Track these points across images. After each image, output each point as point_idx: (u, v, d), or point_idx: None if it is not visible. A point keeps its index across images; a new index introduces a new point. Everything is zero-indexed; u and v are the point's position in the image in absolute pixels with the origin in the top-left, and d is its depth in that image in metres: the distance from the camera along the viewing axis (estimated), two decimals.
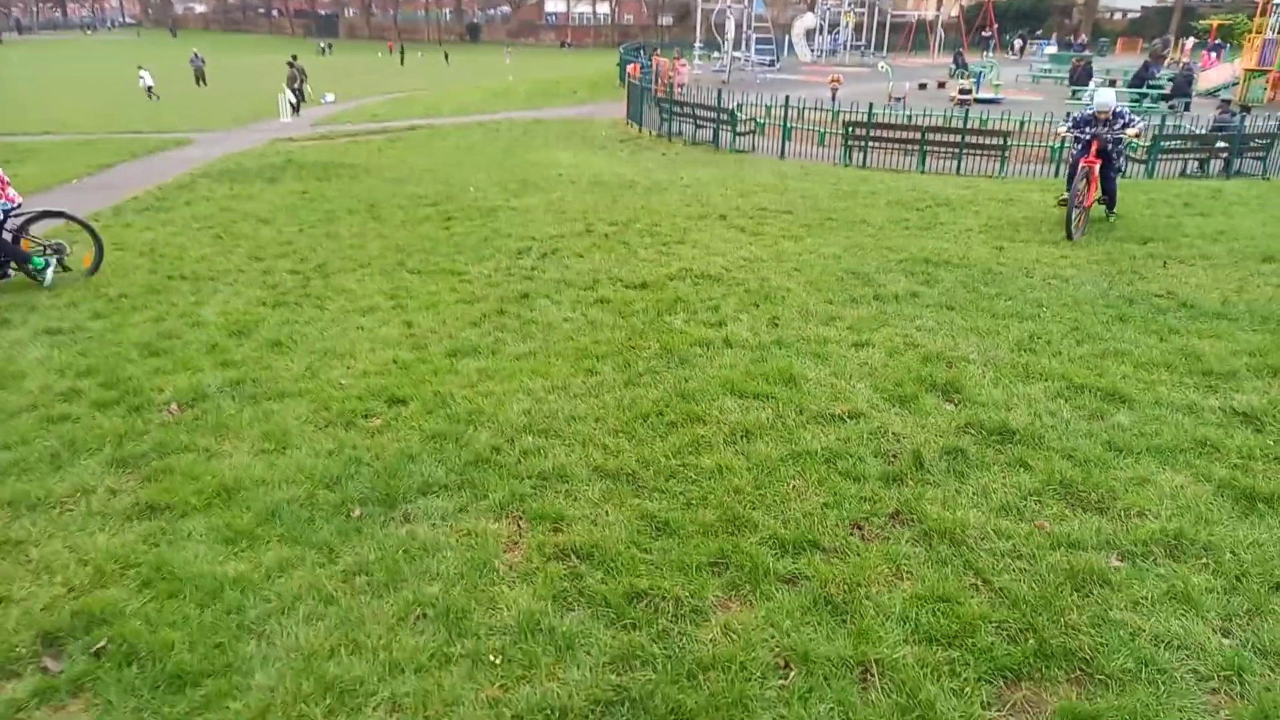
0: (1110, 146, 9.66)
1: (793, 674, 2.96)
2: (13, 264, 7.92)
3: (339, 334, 6.57)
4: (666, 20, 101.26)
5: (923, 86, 30.14)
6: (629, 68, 24.71)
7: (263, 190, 13.24)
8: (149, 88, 32.16)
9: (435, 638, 3.16)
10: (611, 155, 17.89)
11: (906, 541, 3.74)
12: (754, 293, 7.49)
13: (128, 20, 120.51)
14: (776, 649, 3.08)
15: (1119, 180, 10.49)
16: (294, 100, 26.85)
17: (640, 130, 21.55)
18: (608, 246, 9.37)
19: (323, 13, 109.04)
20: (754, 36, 37.13)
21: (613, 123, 23.34)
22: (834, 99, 23.20)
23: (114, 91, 32.80)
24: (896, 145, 16.41)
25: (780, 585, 3.44)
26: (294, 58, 31.20)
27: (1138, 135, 9.72)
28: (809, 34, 47.75)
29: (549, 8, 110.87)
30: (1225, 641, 3.08)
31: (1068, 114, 11.05)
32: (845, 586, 3.41)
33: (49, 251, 8.03)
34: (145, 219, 11.13)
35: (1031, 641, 3.07)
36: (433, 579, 3.50)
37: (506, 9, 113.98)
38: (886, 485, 4.21)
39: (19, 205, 7.99)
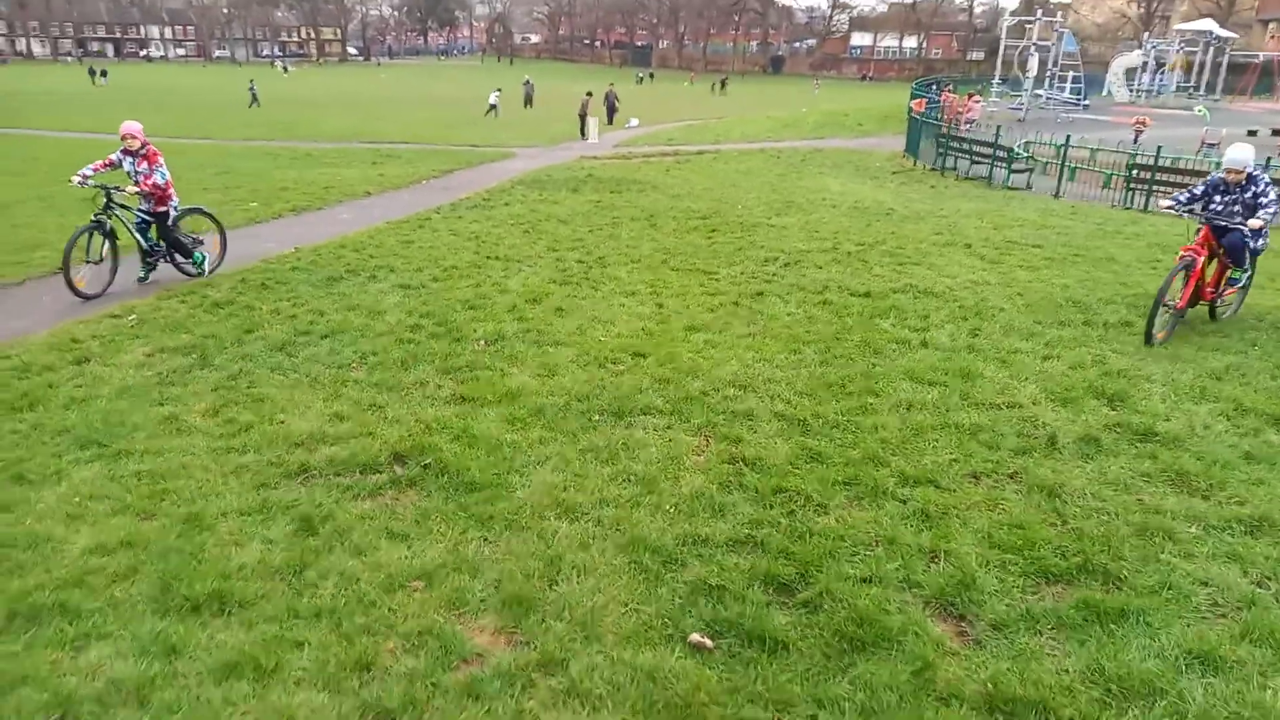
0: (1233, 228, 7.26)
1: (878, 549, 4.01)
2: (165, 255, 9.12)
3: (605, 308, 8.24)
4: (977, 55, 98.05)
5: (1252, 133, 27.60)
6: (913, 103, 25.15)
7: (565, 198, 15.62)
8: (493, 106, 37.68)
9: (632, 491, 4.55)
10: (880, 185, 18.67)
11: (1011, 490, 4.59)
12: (967, 309, 8.23)
13: (475, 48, 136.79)
14: (872, 535, 4.13)
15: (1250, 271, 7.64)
16: (608, 119, 30.39)
17: (915, 164, 22.04)
18: (847, 262, 10.40)
19: (639, 44, 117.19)
20: (1061, 74, 35.76)
21: (890, 155, 23.96)
22: (1136, 141, 22.23)
23: (457, 110, 38.31)
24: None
25: (892, 501, 4.46)
26: (611, 84, 35.13)
27: (1262, 226, 7.06)
28: (1129, 73, 44.78)
29: (854, 41, 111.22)
30: (1255, 588, 3.69)
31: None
32: (943, 508, 4.36)
33: (191, 244, 9.31)
34: (474, 214, 13.76)
35: (1078, 559, 3.87)
36: (638, 461, 4.91)
37: (812, 42, 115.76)
38: (1015, 455, 5.02)
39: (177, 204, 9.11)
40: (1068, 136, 17.56)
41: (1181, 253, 7.19)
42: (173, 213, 9.01)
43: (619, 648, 3.31)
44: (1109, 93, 44.06)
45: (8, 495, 4.47)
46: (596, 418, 5.54)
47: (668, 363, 6.58)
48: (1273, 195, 7.04)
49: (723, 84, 69.71)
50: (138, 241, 8.96)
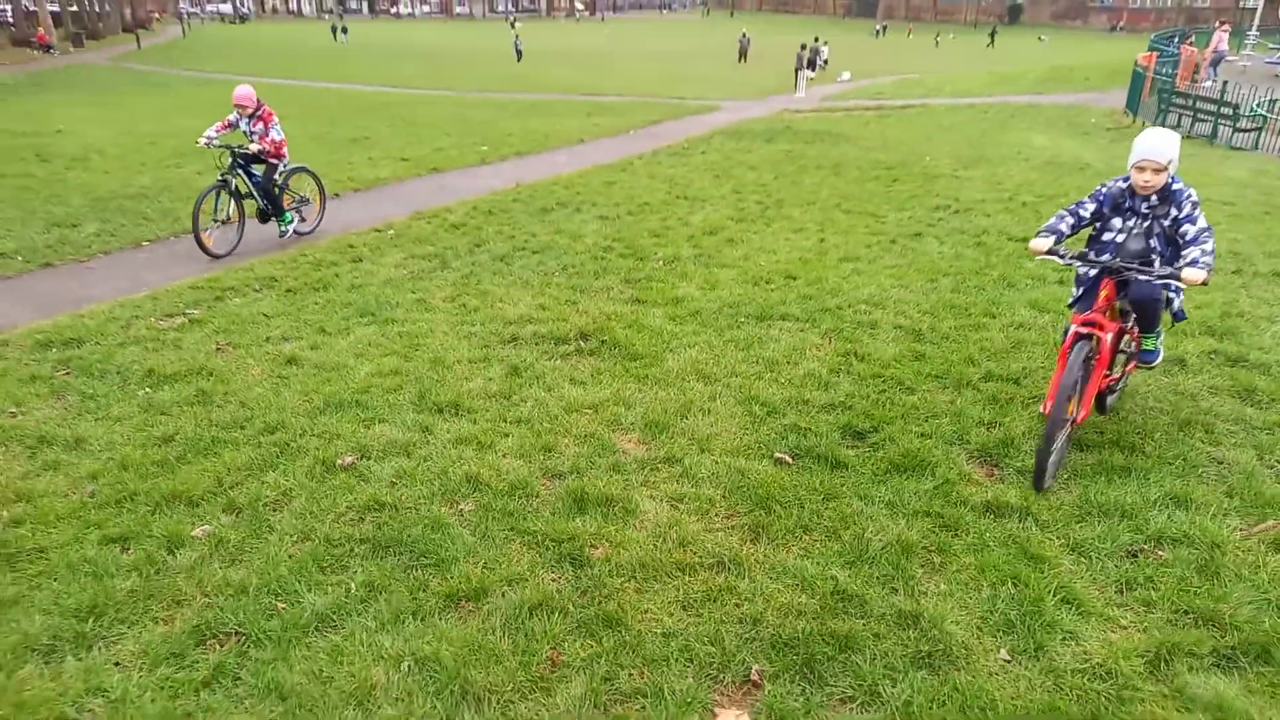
0: (1155, 279, 4.29)
1: (945, 418, 5.01)
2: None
3: (772, 240, 9.37)
4: (1253, 2, 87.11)
5: None
6: (1140, 56, 23.81)
7: (759, 147, 16.67)
8: (825, 62, 37.04)
9: (758, 369, 5.78)
10: (1088, 141, 18.24)
11: None
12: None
13: (697, 2, 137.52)
14: (945, 410, 5.13)
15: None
16: (810, 74, 30.66)
17: (1134, 120, 21.10)
18: (1018, 212, 10.86)
19: None
20: None
21: (1108, 111, 22.95)
22: None
23: (673, 64, 39.72)
24: None
25: (971, 391, 5.41)
26: (816, 38, 35.27)
27: (1205, 279, 4.07)
28: None
29: None
30: (1262, 468, 4.40)
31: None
32: (1011, 395, 5.27)
33: (297, 203, 9.65)
34: (672, 160, 15.15)
35: (1112, 436, 4.70)
36: (768, 350, 6.11)
37: None
38: None
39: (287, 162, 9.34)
40: None
41: (1074, 327, 4.30)
42: (281, 168, 9.24)
43: (723, 456, 4.59)
44: None
45: (318, 339, 6.37)
46: (742, 320, 6.78)
47: (814, 284, 7.67)
48: (1203, 222, 4.31)
49: (992, 35, 65.94)
50: (257, 201, 9.18)
